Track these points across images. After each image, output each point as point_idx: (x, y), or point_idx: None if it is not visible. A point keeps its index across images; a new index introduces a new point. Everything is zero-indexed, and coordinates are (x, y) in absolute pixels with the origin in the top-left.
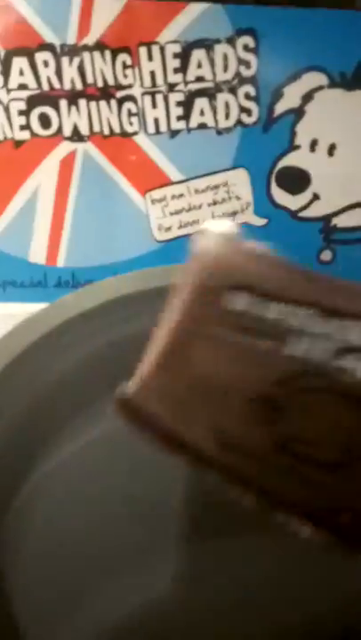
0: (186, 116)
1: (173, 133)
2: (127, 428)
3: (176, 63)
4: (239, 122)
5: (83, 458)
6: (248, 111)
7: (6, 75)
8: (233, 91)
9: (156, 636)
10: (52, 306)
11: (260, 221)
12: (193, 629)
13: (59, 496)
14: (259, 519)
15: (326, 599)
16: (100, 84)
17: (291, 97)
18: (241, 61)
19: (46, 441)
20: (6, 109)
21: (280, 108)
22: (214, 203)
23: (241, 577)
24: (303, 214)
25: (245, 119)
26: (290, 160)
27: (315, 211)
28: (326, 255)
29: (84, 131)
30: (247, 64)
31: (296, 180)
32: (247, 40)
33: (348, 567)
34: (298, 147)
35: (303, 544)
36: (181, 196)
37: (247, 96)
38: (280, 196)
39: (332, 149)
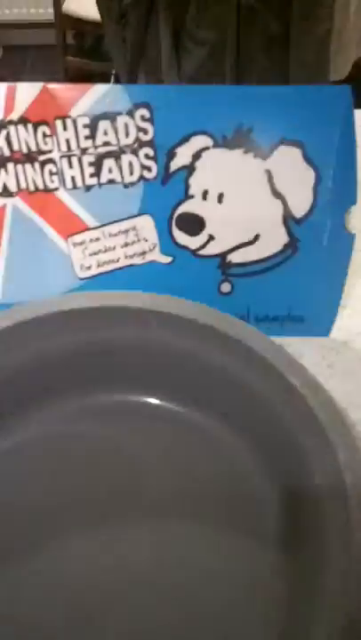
0: (97, 174)
1: (88, 188)
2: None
3: (86, 132)
4: (142, 177)
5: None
6: (148, 168)
7: None
8: (135, 152)
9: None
10: None
11: (166, 259)
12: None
13: None
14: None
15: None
16: (24, 150)
17: (183, 156)
18: (140, 129)
19: None
20: None
21: (174, 164)
22: (126, 244)
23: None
24: (202, 252)
25: (147, 174)
26: (186, 207)
27: (211, 249)
28: (226, 287)
29: (13, 188)
30: (145, 131)
31: (193, 224)
32: (143, 112)
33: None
34: (192, 196)
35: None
36: (98, 239)
37: (147, 156)
38: (181, 237)
39: (220, 197)
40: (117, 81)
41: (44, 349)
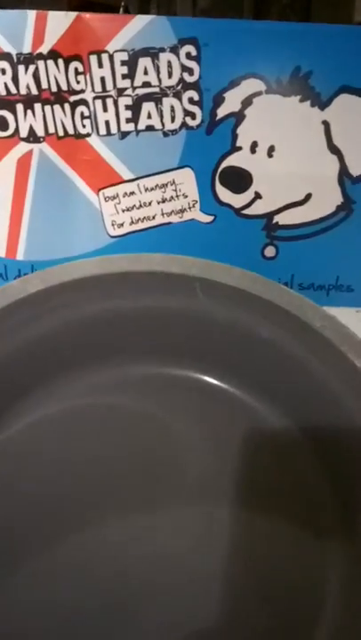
0: (134, 119)
1: (123, 135)
2: (70, 411)
3: (124, 70)
4: (184, 124)
5: (28, 436)
6: (192, 115)
7: None
8: (177, 95)
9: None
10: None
11: (207, 218)
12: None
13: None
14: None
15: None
16: (53, 89)
17: (231, 102)
18: (184, 68)
19: None
20: None
21: (222, 111)
22: (163, 200)
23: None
24: (247, 212)
25: (190, 122)
26: (232, 161)
27: (257, 209)
28: (270, 251)
29: (40, 132)
30: (190, 71)
31: (238, 180)
32: (189, 49)
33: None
34: (239, 148)
35: None
36: (132, 193)
37: (191, 100)
38: (224, 194)
39: (271, 151)
40: (127, 12)
41: (77, 316)
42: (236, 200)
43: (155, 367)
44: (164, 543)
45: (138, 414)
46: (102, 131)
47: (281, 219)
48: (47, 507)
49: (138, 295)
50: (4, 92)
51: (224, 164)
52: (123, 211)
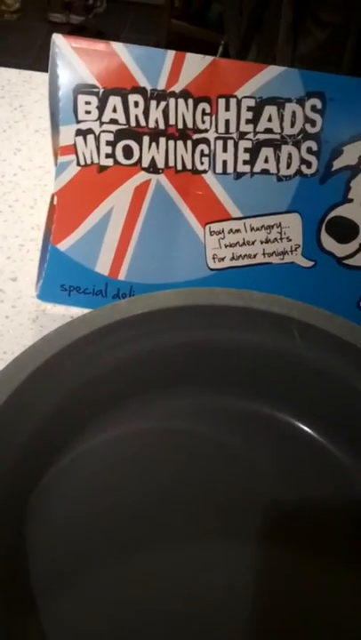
0: (251, 162)
1: (238, 175)
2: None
3: (249, 115)
4: (299, 172)
5: (97, 455)
6: (308, 163)
7: (102, 110)
8: (297, 144)
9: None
10: (98, 310)
11: (307, 263)
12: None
13: (74, 485)
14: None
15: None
16: (180, 126)
17: (349, 155)
18: (308, 120)
19: (69, 435)
20: (97, 139)
21: (338, 163)
22: (266, 241)
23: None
24: (348, 262)
25: (305, 170)
26: (341, 211)
27: (359, 260)
28: None
29: (160, 164)
30: (313, 122)
31: (345, 231)
32: (315, 102)
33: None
34: (351, 200)
35: None
36: (238, 231)
37: (309, 150)
38: (328, 242)
39: None
40: (226, 51)
41: (171, 342)
42: (340, 249)
43: (236, 400)
44: (227, 572)
45: (212, 443)
46: (219, 169)
47: None
48: (116, 519)
49: (234, 329)
50: (134, 124)
51: (333, 214)
52: (226, 246)
